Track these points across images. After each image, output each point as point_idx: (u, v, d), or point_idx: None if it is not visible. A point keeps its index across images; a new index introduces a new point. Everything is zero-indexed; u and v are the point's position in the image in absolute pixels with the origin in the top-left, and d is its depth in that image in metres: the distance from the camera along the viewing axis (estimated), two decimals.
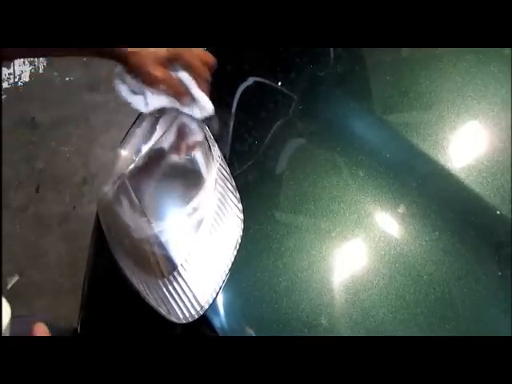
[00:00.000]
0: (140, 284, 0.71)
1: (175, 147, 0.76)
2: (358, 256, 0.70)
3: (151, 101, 0.70)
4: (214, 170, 0.77)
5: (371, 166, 0.76)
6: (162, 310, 0.67)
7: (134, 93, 0.71)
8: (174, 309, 0.66)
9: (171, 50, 0.66)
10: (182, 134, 0.76)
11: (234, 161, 0.81)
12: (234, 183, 0.75)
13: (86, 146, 2.08)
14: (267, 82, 0.92)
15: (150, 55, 0.65)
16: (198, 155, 0.77)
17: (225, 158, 0.82)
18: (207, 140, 0.81)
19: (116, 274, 0.74)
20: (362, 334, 0.64)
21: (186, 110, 0.73)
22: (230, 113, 0.88)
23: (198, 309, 0.65)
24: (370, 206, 0.72)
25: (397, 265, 0.68)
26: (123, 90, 0.71)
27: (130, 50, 0.63)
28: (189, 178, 0.75)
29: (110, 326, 0.78)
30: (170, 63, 0.68)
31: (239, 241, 0.69)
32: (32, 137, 2.11)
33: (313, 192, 0.74)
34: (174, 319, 0.66)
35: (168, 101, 0.71)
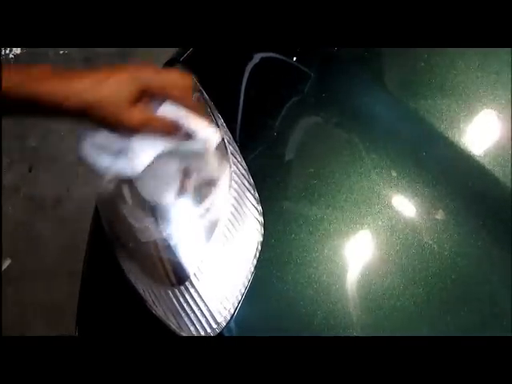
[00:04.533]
0: (146, 292, 0.63)
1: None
2: (384, 255, 0.63)
3: (140, 155, 0.54)
4: (228, 165, 0.69)
5: (398, 157, 0.69)
6: (172, 324, 0.60)
7: (115, 155, 0.54)
8: (186, 324, 0.59)
9: (136, 82, 0.51)
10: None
11: (245, 146, 0.73)
12: (251, 181, 0.68)
13: (81, 125, 1.99)
14: (280, 57, 0.83)
15: (118, 99, 0.49)
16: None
17: (234, 141, 0.74)
18: (220, 131, 0.73)
19: (119, 278, 0.67)
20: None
21: (183, 146, 0.58)
22: (240, 91, 0.80)
23: (215, 326, 0.58)
24: (397, 200, 0.66)
25: (425, 262, 0.61)
26: (98, 158, 0.54)
27: (90, 101, 0.48)
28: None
29: (111, 336, 0.71)
30: (143, 98, 0.53)
31: (259, 248, 0.62)
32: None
33: (334, 184, 0.67)
34: (186, 336, 0.59)
35: (161, 146, 0.56)
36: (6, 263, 1.77)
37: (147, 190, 0.63)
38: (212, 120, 0.73)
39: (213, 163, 0.63)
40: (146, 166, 0.55)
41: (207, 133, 0.57)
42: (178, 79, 0.55)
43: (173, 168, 0.62)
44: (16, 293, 1.69)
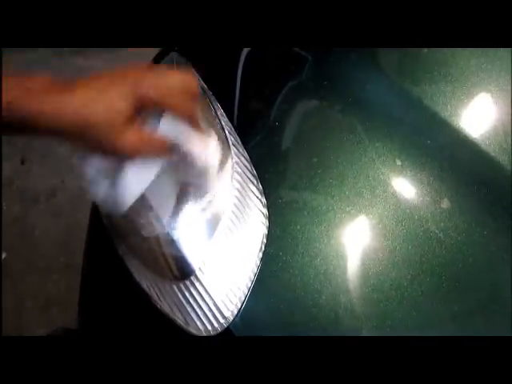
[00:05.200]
0: (151, 287, 0.63)
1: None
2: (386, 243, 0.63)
3: (133, 184, 0.50)
4: (230, 157, 0.68)
5: (402, 145, 0.68)
6: (178, 319, 0.59)
7: (108, 183, 0.51)
8: (193, 319, 0.59)
9: (134, 95, 0.46)
10: None
11: (244, 135, 0.72)
12: (254, 172, 0.66)
13: None
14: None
15: (113, 119, 0.45)
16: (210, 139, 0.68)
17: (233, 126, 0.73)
18: (220, 121, 0.72)
19: (121, 274, 0.66)
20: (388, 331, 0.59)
21: (180, 167, 0.55)
22: (236, 78, 0.79)
23: (222, 320, 0.57)
24: (402, 189, 0.65)
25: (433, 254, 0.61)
26: (94, 184, 0.50)
27: (83, 123, 0.44)
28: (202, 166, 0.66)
29: (115, 333, 0.71)
30: (140, 113, 0.49)
31: (264, 240, 0.61)
32: None
33: (338, 173, 0.67)
34: (193, 331, 0.59)
35: (158, 167, 0.52)
36: (2, 256, 1.75)
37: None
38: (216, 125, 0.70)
39: (213, 179, 0.60)
40: (137, 196, 0.51)
41: (207, 152, 0.54)
42: (180, 83, 0.50)
43: (169, 188, 0.60)
44: (12, 286, 1.68)
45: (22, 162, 1.93)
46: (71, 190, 1.86)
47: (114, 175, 0.50)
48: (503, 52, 0.73)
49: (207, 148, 0.55)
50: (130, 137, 0.47)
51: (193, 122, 0.52)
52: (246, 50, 0.81)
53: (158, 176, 0.53)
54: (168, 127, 0.51)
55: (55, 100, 0.44)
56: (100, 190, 0.51)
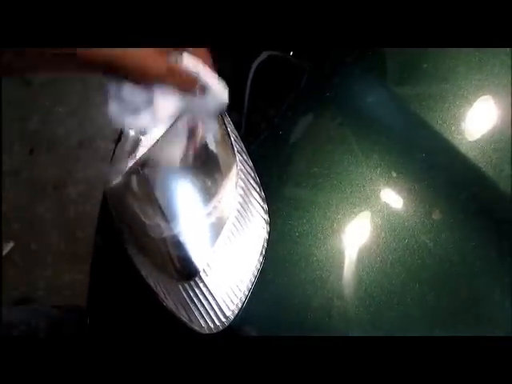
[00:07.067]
0: (157, 286, 0.67)
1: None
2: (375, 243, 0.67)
3: (164, 107, 0.56)
4: (235, 164, 0.71)
5: (398, 157, 0.71)
6: (183, 317, 0.64)
7: (136, 109, 0.56)
8: (196, 317, 0.63)
9: None
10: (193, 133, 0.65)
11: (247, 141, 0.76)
12: (257, 179, 0.70)
13: (82, 107, 1.99)
14: (278, 53, 0.85)
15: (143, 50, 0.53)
16: (217, 147, 0.72)
17: (239, 134, 0.76)
18: (227, 129, 0.75)
19: (130, 271, 0.70)
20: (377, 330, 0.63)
21: (198, 102, 0.60)
22: (245, 85, 0.82)
23: (224, 320, 0.62)
24: (395, 200, 0.69)
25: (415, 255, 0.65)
26: (123, 113, 0.56)
27: (117, 52, 0.50)
28: (208, 173, 0.70)
29: (122, 329, 0.75)
30: (168, 53, 0.56)
31: (265, 246, 0.65)
32: (25, 95, 2.02)
33: (335, 182, 0.70)
34: (196, 328, 0.63)
35: (180, 99, 0.58)
36: (10, 246, 1.80)
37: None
38: None
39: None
40: (169, 118, 0.57)
41: (220, 89, 0.59)
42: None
43: (184, 126, 0.63)
44: (19, 275, 1.73)
45: (31, 152, 1.96)
46: (78, 180, 1.90)
47: (145, 99, 0.55)
48: (503, 70, 0.75)
49: (219, 83, 0.59)
50: (162, 62, 0.54)
51: (206, 63, 0.58)
52: (255, 63, 0.84)
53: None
54: (189, 63, 0.57)
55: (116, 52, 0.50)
56: (131, 115, 0.56)
